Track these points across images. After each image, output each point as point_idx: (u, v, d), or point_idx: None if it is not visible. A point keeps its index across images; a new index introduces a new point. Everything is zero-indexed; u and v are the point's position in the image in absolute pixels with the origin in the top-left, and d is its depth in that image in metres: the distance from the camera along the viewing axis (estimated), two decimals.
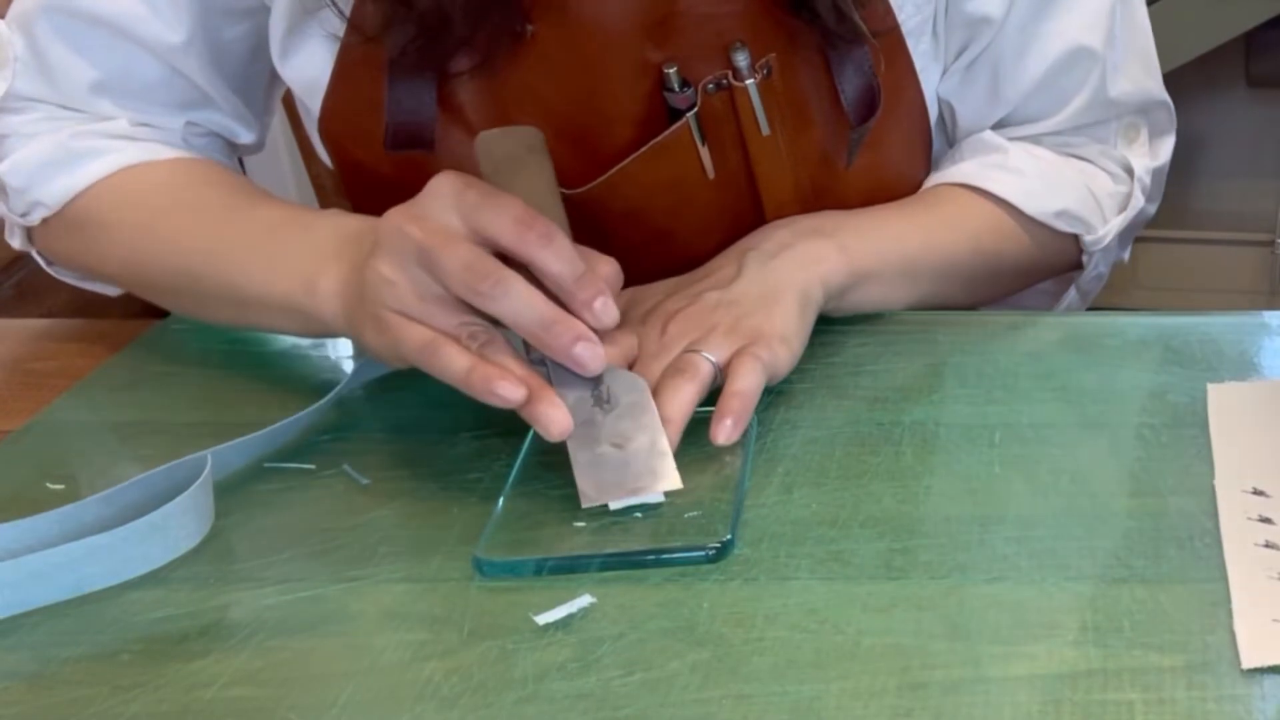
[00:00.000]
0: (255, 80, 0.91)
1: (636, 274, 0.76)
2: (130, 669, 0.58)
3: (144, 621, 0.60)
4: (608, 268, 0.68)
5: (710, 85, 0.80)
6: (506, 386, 0.64)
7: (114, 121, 0.85)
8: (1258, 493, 0.66)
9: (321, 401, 0.73)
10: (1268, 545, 0.62)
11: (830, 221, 0.83)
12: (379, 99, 0.82)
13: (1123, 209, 0.92)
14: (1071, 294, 0.95)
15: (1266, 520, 0.64)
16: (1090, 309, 0.96)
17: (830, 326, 0.82)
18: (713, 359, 0.71)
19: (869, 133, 0.85)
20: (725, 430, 0.68)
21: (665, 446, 0.66)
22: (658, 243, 0.83)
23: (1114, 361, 0.79)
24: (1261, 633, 0.57)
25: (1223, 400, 0.74)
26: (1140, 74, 0.91)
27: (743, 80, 0.80)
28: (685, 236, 0.85)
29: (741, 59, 0.80)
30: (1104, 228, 0.90)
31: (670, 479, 0.65)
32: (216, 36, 0.86)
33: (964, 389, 0.76)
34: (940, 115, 0.92)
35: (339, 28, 0.81)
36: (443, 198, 0.66)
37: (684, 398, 0.69)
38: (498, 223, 0.65)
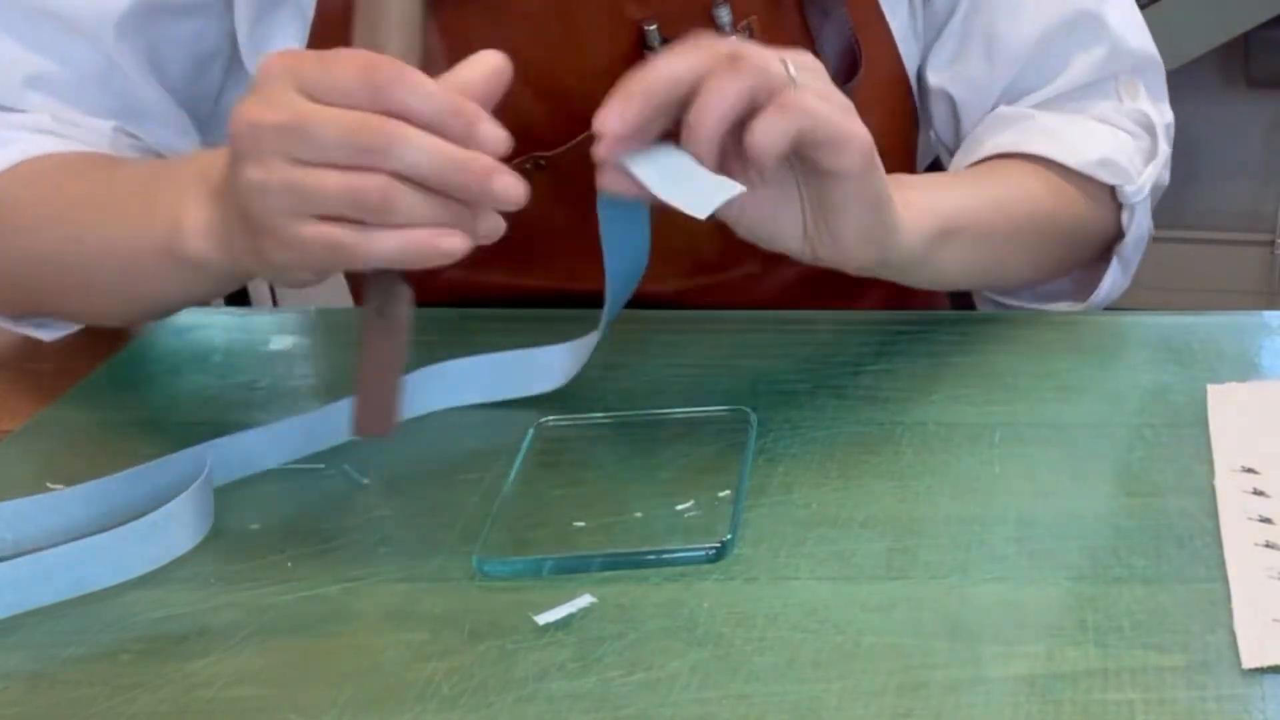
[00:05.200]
0: (203, 96, 0.89)
1: None
2: (130, 669, 0.58)
3: (144, 621, 0.60)
4: (481, 68, 0.62)
5: None
6: (451, 240, 0.59)
7: (34, 115, 0.82)
8: (1258, 493, 0.66)
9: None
10: (1268, 545, 0.62)
11: (894, 182, 0.78)
12: None
13: (1150, 159, 0.89)
14: (1115, 268, 0.90)
15: (1266, 520, 0.64)
16: None
17: (830, 326, 0.82)
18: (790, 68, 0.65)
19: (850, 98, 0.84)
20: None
21: (397, 390, 0.63)
22: None
23: (1114, 361, 0.79)
24: (1261, 633, 0.57)
25: (1223, 401, 0.74)
26: (1133, 29, 0.90)
27: (725, 37, 0.80)
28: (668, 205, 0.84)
29: (723, 14, 0.80)
30: (1140, 178, 0.88)
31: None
32: (154, 32, 0.83)
33: (964, 389, 0.76)
34: (937, 114, 0.92)
35: (309, 6, 0.80)
36: (277, 79, 0.59)
37: (724, 94, 0.63)
38: (344, 81, 0.58)
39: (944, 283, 0.82)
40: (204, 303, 0.81)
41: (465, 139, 0.59)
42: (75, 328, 0.84)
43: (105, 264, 0.74)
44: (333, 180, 0.58)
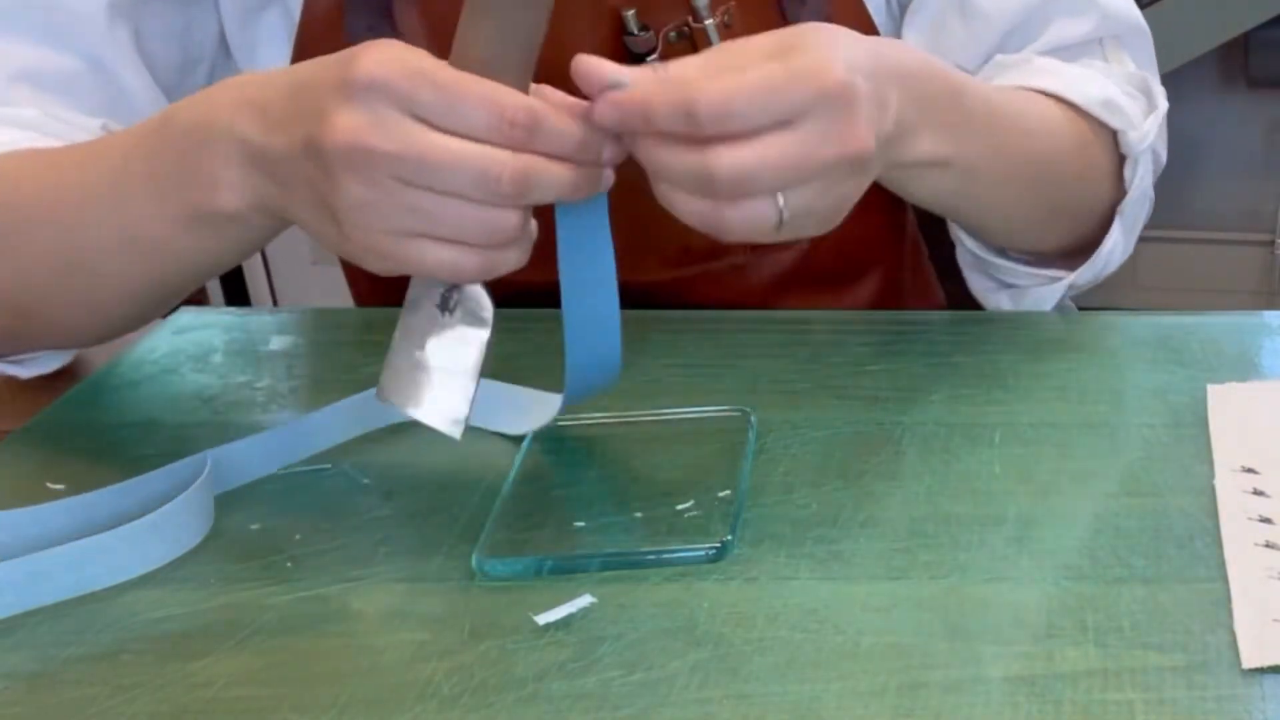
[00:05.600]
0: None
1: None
2: (130, 669, 0.58)
3: (144, 621, 0.60)
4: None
5: (672, 34, 0.80)
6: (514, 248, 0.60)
7: (22, 109, 0.80)
8: (1258, 493, 0.66)
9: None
10: (1268, 545, 0.62)
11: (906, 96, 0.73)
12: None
13: (1149, 114, 0.86)
14: (1117, 229, 0.87)
15: (1266, 520, 0.64)
16: (1090, 309, 0.95)
17: (830, 326, 0.82)
18: None
19: None
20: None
21: (468, 388, 0.63)
22: (628, 196, 0.81)
23: (1114, 361, 0.79)
24: (1261, 633, 0.57)
25: (1223, 400, 0.74)
26: None
27: (702, 21, 0.79)
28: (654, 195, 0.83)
29: (701, 0, 0.80)
30: (1142, 125, 0.84)
31: (453, 426, 0.62)
32: (145, 19, 0.83)
33: (964, 389, 0.76)
34: None
35: (295, 8, 0.80)
36: (383, 98, 0.57)
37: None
38: (472, 122, 0.58)
39: (920, 201, 0.79)
40: (228, 269, 0.77)
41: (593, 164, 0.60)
42: (56, 365, 0.81)
43: (115, 246, 0.71)
44: (463, 212, 0.58)
